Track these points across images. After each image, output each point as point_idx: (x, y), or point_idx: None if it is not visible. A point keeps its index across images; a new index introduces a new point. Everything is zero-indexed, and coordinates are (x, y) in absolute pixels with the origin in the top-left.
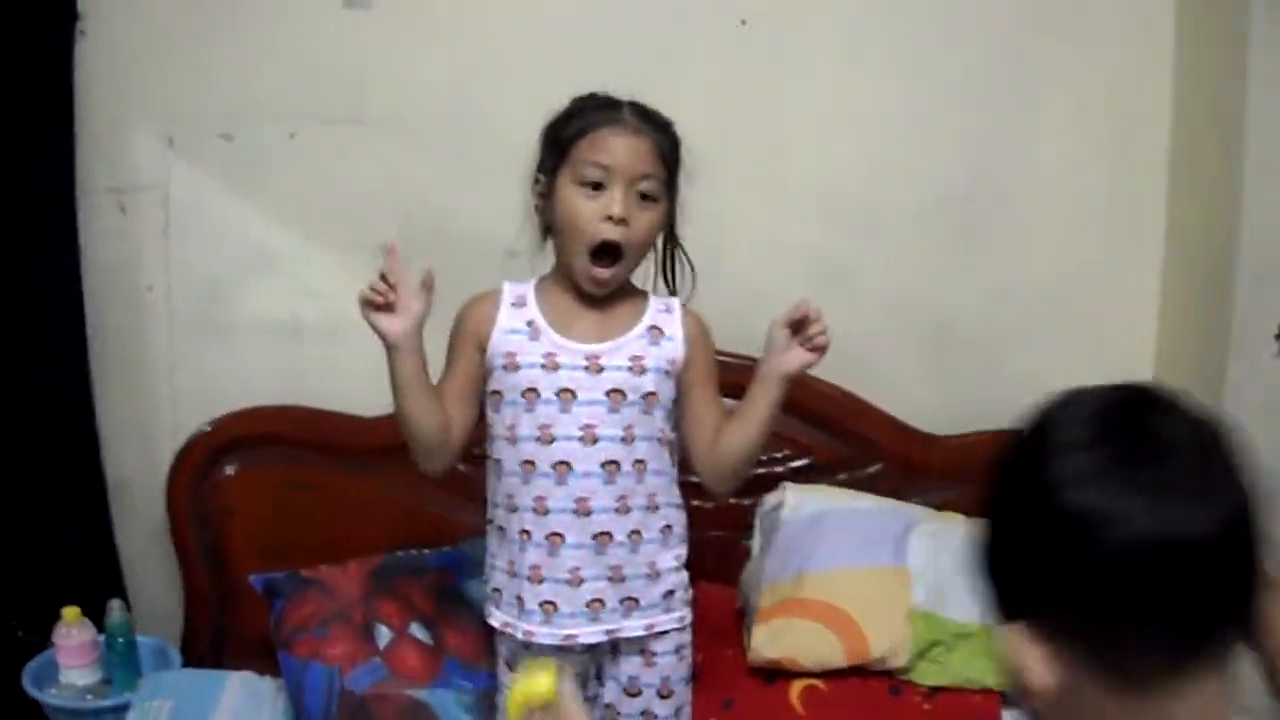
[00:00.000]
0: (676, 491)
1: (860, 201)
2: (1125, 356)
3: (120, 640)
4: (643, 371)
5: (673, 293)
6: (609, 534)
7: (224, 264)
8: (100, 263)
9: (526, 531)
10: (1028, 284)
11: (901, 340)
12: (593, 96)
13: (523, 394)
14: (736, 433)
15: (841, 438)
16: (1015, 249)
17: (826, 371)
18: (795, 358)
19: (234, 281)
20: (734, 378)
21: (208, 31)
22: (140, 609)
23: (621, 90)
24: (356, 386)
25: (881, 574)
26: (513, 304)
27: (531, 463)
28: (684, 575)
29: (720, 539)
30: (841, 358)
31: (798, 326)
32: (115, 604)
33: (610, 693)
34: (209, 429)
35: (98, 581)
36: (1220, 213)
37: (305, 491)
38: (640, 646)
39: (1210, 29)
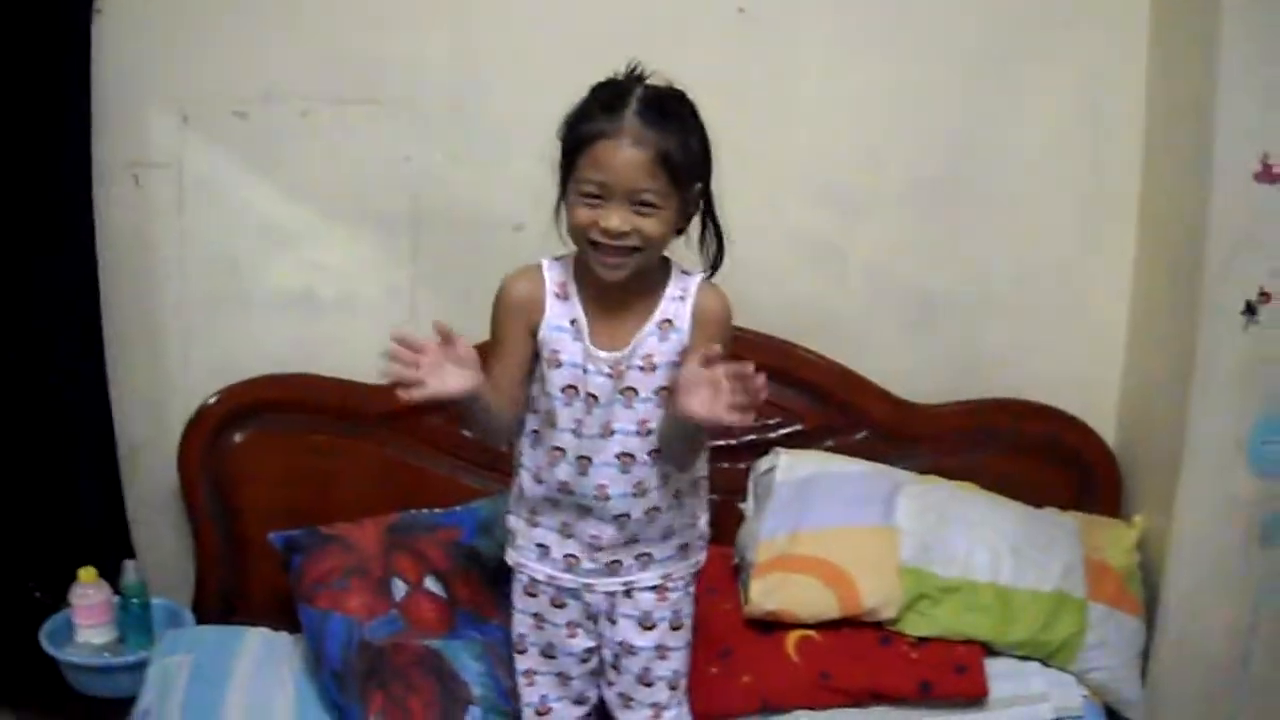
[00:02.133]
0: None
1: (851, 183)
2: (1099, 328)
3: (135, 600)
4: (654, 369)
5: (708, 268)
6: (627, 514)
7: (237, 238)
8: (116, 235)
9: (553, 501)
10: (1006, 260)
11: (888, 314)
12: (604, 88)
13: (563, 390)
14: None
15: (830, 406)
16: (994, 227)
17: (817, 343)
18: (699, 404)
19: (246, 255)
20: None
21: (222, 11)
22: (150, 572)
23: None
24: (364, 355)
25: (871, 532)
26: (556, 294)
27: (561, 450)
28: (698, 528)
29: (715, 502)
30: (831, 330)
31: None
32: (130, 564)
33: (625, 630)
34: (217, 398)
35: (110, 545)
36: (1191, 189)
37: (312, 457)
38: (653, 585)
39: (1183, 14)
